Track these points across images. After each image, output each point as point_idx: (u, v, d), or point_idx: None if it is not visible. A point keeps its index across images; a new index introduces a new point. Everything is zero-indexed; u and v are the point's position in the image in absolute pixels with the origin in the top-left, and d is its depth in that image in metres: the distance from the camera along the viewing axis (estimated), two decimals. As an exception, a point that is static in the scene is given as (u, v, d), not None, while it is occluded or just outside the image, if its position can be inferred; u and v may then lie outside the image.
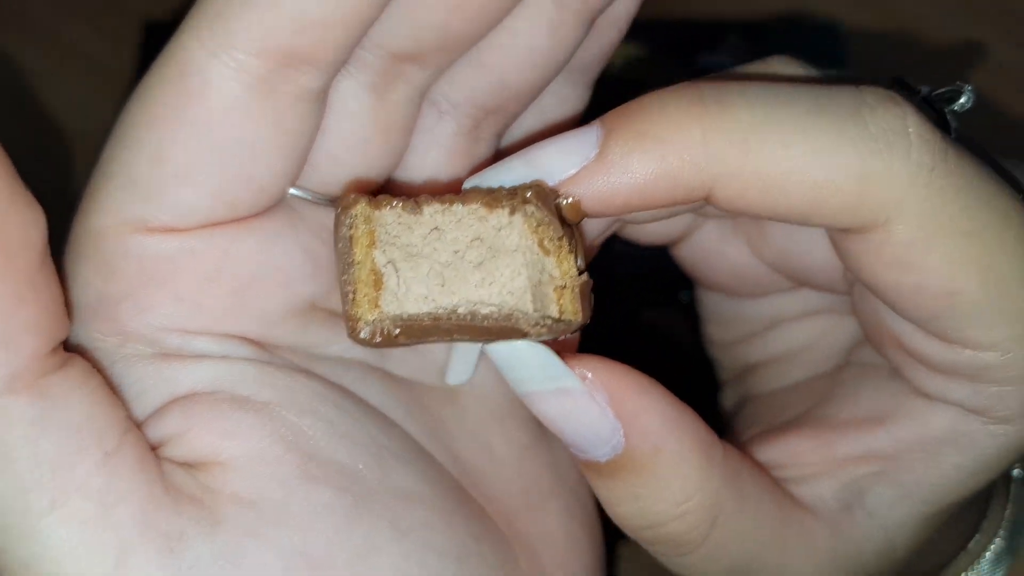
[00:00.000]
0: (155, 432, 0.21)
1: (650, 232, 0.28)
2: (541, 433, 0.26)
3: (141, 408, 0.21)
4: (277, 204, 0.22)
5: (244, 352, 0.22)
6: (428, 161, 0.23)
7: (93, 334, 0.21)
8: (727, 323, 0.31)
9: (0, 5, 0.50)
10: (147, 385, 0.21)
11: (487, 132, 0.23)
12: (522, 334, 0.20)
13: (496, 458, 0.25)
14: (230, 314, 0.21)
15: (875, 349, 0.25)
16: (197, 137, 0.19)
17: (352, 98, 0.21)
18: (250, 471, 0.21)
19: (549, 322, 0.20)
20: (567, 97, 0.25)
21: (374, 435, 0.23)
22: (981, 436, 0.23)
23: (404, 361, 0.25)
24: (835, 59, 0.48)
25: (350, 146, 0.22)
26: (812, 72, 0.23)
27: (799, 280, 0.27)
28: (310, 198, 0.22)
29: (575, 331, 0.21)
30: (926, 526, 0.24)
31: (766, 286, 0.28)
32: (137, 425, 0.21)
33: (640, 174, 0.20)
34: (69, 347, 0.21)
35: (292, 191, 0.22)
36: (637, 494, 0.22)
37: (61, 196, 0.46)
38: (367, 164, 0.22)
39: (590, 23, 0.22)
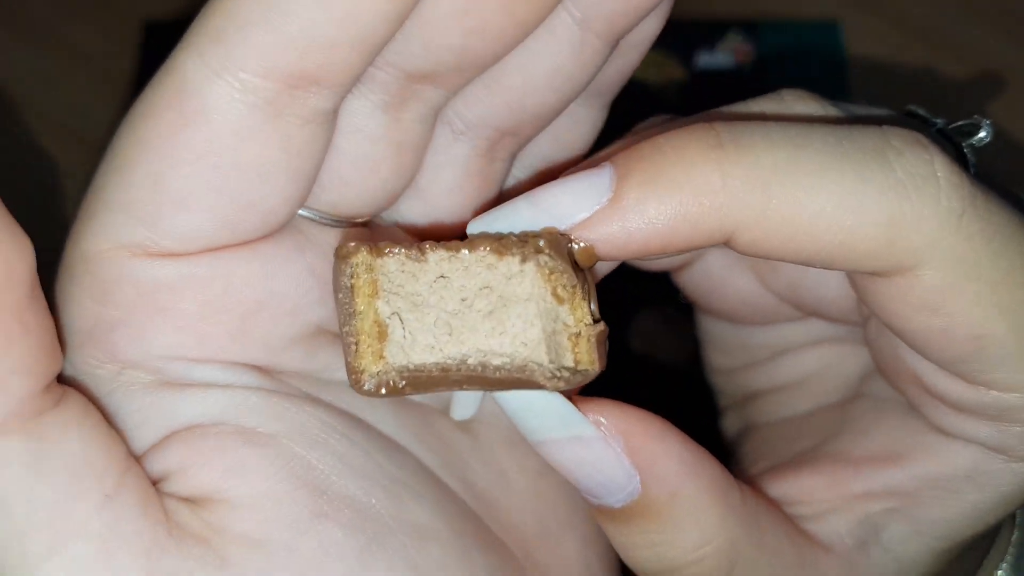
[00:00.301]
0: (156, 466, 0.20)
1: (654, 262, 0.27)
2: None
3: (141, 440, 0.20)
4: (283, 226, 0.21)
5: (249, 380, 0.21)
6: (442, 182, 0.22)
7: (88, 360, 0.20)
8: (730, 350, 0.30)
9: (0, 5, 0.50)
10: (147, 416, 0.20)
11: (502, 153, 0.22)
12: (537, 386, 0.19)
13: (511, 486, 0.24)
14: (234, 342, 0.21)
15: (890, 384, 0.25)
16: (198, 161, 0.18)
17: (364, 117, 0.20)
18: (257, 510, 0.20)
19: (566, 374, 0.19)
20: (582, 119, 0.24)
21: (386, 467, 0.22)
22: (1002, 474, 0.23)
23: None
24: (835, 59, 0.48)
25: (361, 166, 0.21)
26: (828, 108, 0.22)
27: (809, 311, 0.27)
28: (318, 219, 0.21)
29: (590, 380, 0.20)
30: (939, 561, 0.24)
31: (773, 315, 0.28)
32: (137, 460, 0.20)
33: (658, 219, 0.19)
34: (63, 375, 0.20)
35: (300, 212, 0.21)
36: (653, 540, 0.21)
37: (62, 196, 0.46)
38: (378, 184, 0.21)
39: (614, 45, 0.21)
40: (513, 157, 0.23)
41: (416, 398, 0.24)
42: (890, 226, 0.19)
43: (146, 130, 0.19)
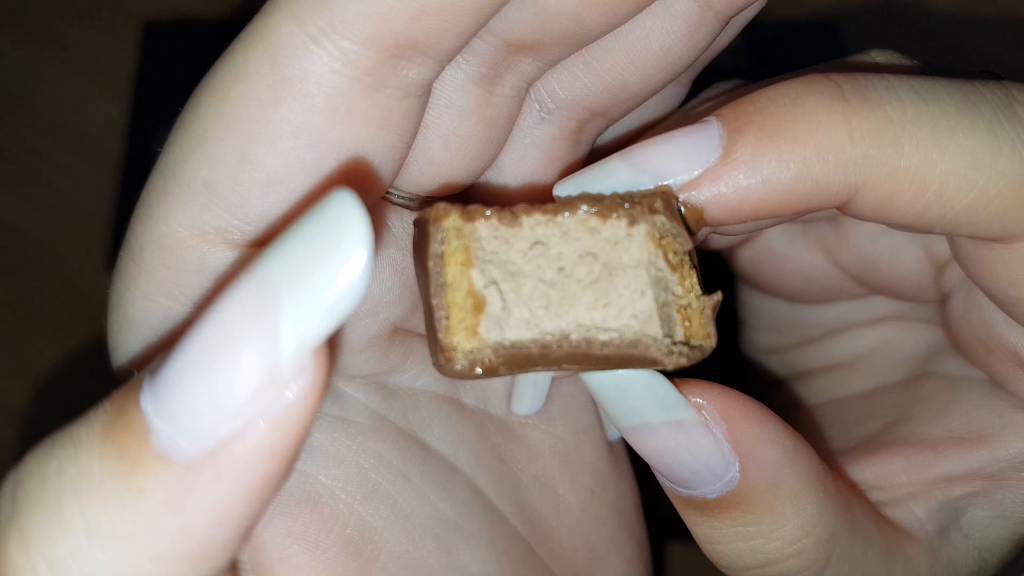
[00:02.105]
0: None
1: (717, 238, 0.26)
2: (605, 474, 0.25)
3: None
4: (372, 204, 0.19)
5: None
6: (524, 164, 0.21)
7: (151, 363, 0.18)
8: (781, 329, 0.29)
9: (0, 5, 0.50)
10: None
11: (588, 135, 0.21)
12: (653, 363, 0.18)
13: (561, 506, 0.23)
14: None
15: (970, 361, 0.24)
16: (291, 138, 0.16)
17: (457, 91, 0.19)
18: None
19: (685, 349, 0.18)
20: (667, 95, 0.22)
21: (439, 507, 0.21)
22: None
23: (473, 386, 0.23)
24: (834, 60, 0.48)
25: (451, 144, 0.19)
26: (923, 66, 0.21)
27: (879, 288, 0.26)
28: (402, 201, 0.20)
29: (706, 357, 0.18)
30: (1015, 546, 0.23)
31: (835, 293, 0.27)
32: None
33: (777, 178, 0.18)
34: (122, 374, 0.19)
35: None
36: (749, 533, 0.20)
37: (62, 195, 0.46)
38: (465, 164, 0.19)
39: (726, 23, 0.19)
40: (597, 137, 0.22)
41: (474, 398, 0.23)
42: (1022, 186, 0.18)
43: (233, 101, 0.17)
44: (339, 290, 0.14)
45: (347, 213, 0.14)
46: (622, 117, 0.21)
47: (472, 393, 0.23)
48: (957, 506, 0.23)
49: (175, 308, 0.18)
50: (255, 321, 0.14)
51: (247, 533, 0.16)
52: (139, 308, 0.18)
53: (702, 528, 0.20)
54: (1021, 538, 0.23)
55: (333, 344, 0.17)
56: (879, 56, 0.21)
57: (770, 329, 0.30)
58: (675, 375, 0.19)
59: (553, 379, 0.23)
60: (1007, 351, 0.22)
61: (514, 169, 0.21)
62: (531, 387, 0.23)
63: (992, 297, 0.20)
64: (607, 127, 0.21)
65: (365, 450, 0.20)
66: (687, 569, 0.36)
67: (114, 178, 0.46)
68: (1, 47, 0.49)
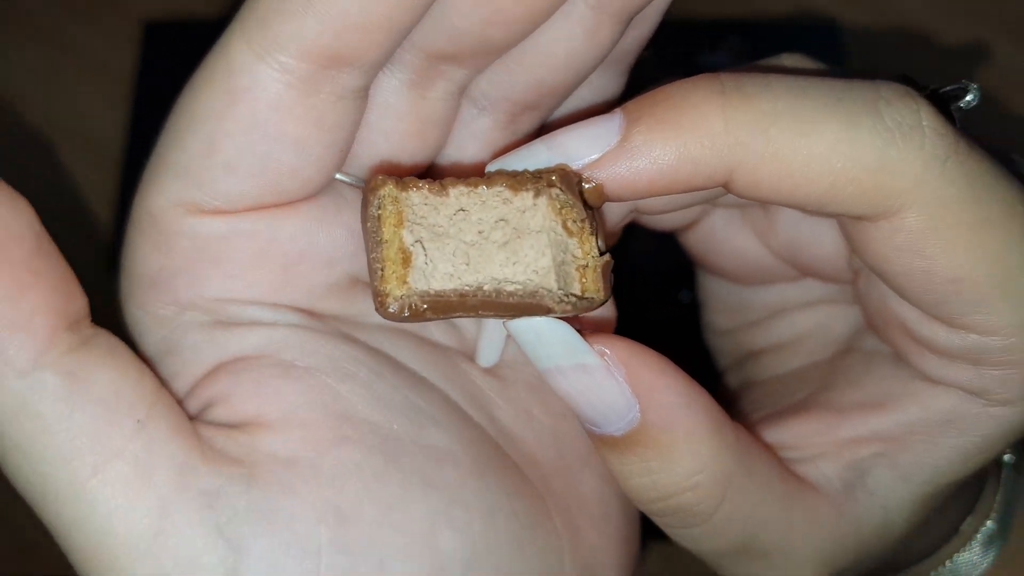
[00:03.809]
0: (205, 393, 0.23)
1: (662, 219, 0.29)
2: None
3: (194, 370, 0.23)
4: (321, 189, 0.23)
5: (292, 319, 0.23)
6: (466, 154, 0.24)
7: (153, 302, 0.23)
8: (730, 311, 0.32)
9: (0, 5, 0.50)
10: (200, 349, 0.23)
11: (524, 126, 0.24)
12: (546, 310, 0.21)
13: (534, 422, 0.26)
14: (279, 288, 0.23)
15: (878, 336, 0.26)
16: (244, 132, 0.21)
17: (393, 95, 0.22)
18: (287, 432, 0.22)
19: (573, 299, 0.21)
20: (603, 86, 0.25)
21: (410, 398, 0.24)
22: (981, 418, 0.24)
23: (444, 333, 0.26)
24: (835, 59, 0.48)
25: (391, 140, 0.23)
26: (824, 70, 0.24)
27: (804, 270, 0.29)
28: (353, 183, 0.23)
29: (596, 308, 0.22)
30: (924, 506, 0.25)
31: (771, 275, 0.29)
32: (181, 395, 0.23)
33: (662, 160, 0.21)
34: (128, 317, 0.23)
35: (338, 176, 0.23)
36: (650, 468, 0.22)
37: (62, 195, 0.46)
38: (407, 156, 0.23)
39: (627, 22, 0.22)
40: (535, 130, 0.25)
41: (445, 342, 0.26)
42: (877, 170, 0.20)
43: (199, 103, 0.21)
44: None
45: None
46: (553, 110, 0.25)
47: (445, 338, 0.26)
48: (862, 466, 0.25)
49: (165, 262, 0.22)
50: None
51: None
52: (139, 262, 0.23)
53: (614, 464, 0.23)
54: (927, 499, 0.25)
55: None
56: (788, 59, 0.24)
57: (722, 311, 0.32)
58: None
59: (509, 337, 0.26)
60: (898, 323, 0.24)
61: (456, 158, 0.24)
62: (487, 342, 0.26)
63: (874, 272, 0.23)
64: (541, 120, 0.25)
65: (339, 350, 0.23)
66: (670, 564, 0.37)
67: (114, 178, 0.46)
68: (1, 47, 0.49)
